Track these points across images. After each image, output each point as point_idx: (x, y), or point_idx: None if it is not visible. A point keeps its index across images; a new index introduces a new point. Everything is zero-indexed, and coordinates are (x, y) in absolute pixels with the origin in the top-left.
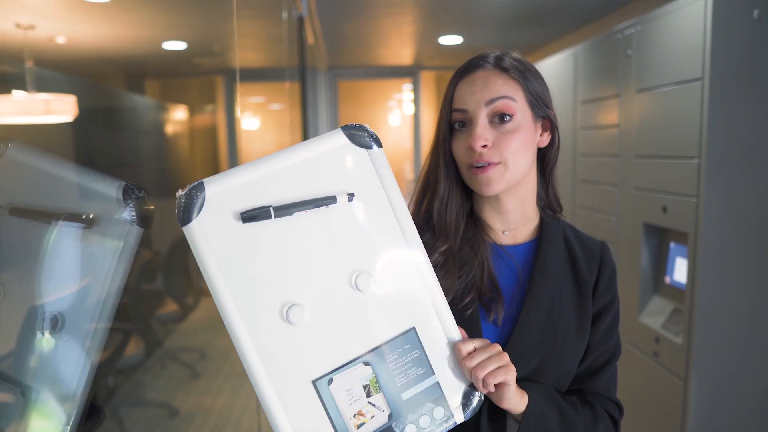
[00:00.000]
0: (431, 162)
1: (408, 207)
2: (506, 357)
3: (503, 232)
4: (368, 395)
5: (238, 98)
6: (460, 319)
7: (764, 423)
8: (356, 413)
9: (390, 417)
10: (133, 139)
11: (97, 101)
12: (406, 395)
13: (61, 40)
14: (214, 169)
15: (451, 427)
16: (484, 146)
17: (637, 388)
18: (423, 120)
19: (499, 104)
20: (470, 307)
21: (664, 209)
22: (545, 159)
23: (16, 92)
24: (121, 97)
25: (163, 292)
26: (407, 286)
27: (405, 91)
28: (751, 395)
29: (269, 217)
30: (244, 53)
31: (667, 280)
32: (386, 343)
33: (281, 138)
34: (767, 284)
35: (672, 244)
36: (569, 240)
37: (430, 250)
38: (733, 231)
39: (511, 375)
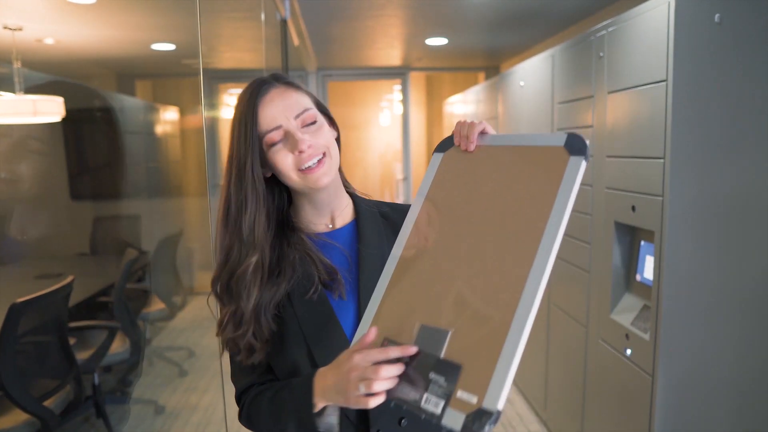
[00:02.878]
0: (233, 188)
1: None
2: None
3: (327, 225)
4: None
5: (202, 99)
6: (313, 305)
7: (728, 417)
8: None
9: None
10: (121, 138)
11: (85, 102)
12: None
13: (49, 41)
14: (201, 168)
15: None
16: (309, 146)
17: (608, 384)
18: (412, 120)
19: (306, 115)
20: (316, 292)
21: (633, 208)
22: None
23: (3, 93)
24: (110, 97)
25: (149, 291)
26: None
27: (396, 92)
28: (716, 390)
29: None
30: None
31: (638, 277)
32: None
33: None
34: (730, 282)
35: (642, 243)
36: (386, 213)
37: (239, 263)
38: (697, 229)
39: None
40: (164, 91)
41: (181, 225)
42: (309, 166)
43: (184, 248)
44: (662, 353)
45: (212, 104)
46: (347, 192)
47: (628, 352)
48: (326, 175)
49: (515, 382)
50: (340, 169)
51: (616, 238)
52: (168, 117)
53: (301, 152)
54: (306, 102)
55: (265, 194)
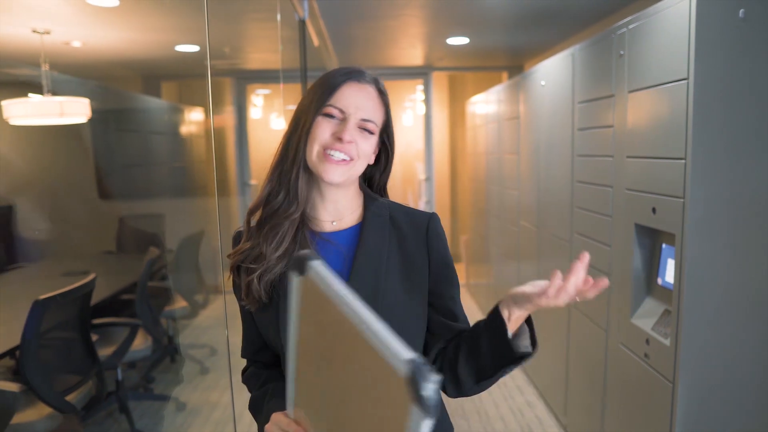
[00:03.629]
0: (293, 136)
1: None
2: None
3: (332, 222)
4: None
5: (210, 100)
6: (267, 302)
7: (751, 426)
8: None
9: None
10: (146, 139)
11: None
12: None
13: (76, 44)
14: (226, 168)
15: None
16: (350, 142)
17: (629, 390)
18: (435, 120)
19: (369, 125)
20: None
21: (654, 210)
22: (372, 175)
23: (32, 95)
24: (135, 99)
25: (172, 289)
26: None
27: (418, 92)
28: (738, 397)
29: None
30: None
31: (659, 281)
32: None
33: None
34: (753, 286)
35: (663, 246)
36: (396, 219)
37: (281, 210)
38: (718, 232)
39: None
40: (190, 92)
41: (204, 224)
42: (333, 155)
43: (209, 247)
44: (683, 359)
45: (240, 104)
46: (369, 196)
47: (649, 357)
48: (339, 175)
49: (536, 385)
50: (377, 185)
51: (637, 240)
52: (193, 117)
53: (339, 139)
54: (378, 116)
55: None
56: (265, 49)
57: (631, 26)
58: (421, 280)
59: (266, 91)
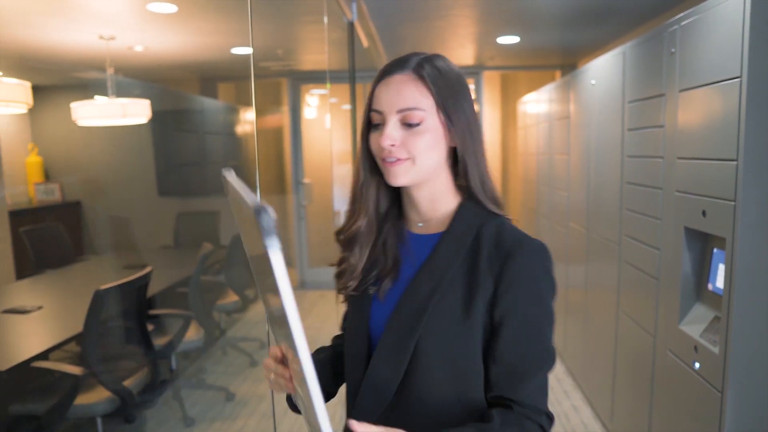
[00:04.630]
0: (358, 153)
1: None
2: None
3: (418, 224)
4: None
5: (253, 99)
6: (357, 295)
7: None
8: None
9: None
10: (202, 138)
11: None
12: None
13: (138, 48)
14: (281, 166)
15: None
16: (392, 145)
17: (676, 398)
18: (486, 119)
19: (408, 114)
20: (369, 287)
21: (704, 213)
22: (461, 158)
23: (98, 97)
24: (192, 100)
25: (224, 284)
26: None
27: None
28: None
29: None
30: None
31: (710, 287)
32: None
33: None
34: None
35: (715, 250)
36: (483, 236)
37: (349, 223)
38: None
39: None
40: (245, 93)
41: None
42: (388, 159)
43: None
44: (732, 368)
45: (294, 104)
46: (465, 204)
47: (697, 365)
48: (400, 177)
49: (583, 390)
50: (483, 183)
51: (686, 244)
52: (247, 117)
53: (381, 148)
54: (421, 101)
55: (372, 167)
56: (316, 51)
57: (683, 23)
58: (478, 315)
59: (321, 91)
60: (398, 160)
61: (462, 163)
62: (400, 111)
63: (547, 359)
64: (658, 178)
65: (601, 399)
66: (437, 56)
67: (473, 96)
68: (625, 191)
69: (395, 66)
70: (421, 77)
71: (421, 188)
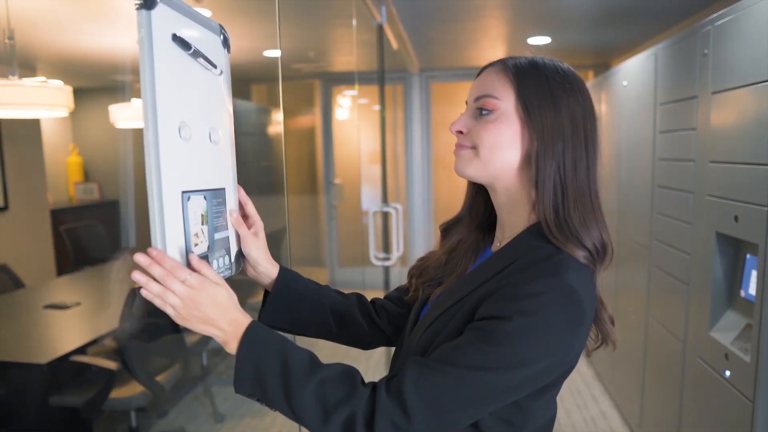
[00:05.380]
0: None
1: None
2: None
3: (499, 242)
4: (201, 224)
5: (281, 100)
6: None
7: None
8: (195, 234)
9: (208, 248)
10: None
11: None
12: (216, 236)
13: None
14: (313, 167)
15: (227, 276)
16: (459, 132)
17: (706, 406)
18: None
19: (482, 101)
20: (431, 295)
21: (736, 218)
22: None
23: (135, 100)
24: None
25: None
26: (228, 155)
27: None
28: None
29: (189, 50)
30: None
31: (742, 293)
32: (212, 189)
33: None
34: None
35: (748, 256)
36: (520, 260)
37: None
38: None
39: (168, 304)
40: (277, 95)
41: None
42: (457, 143)
43: (295, 245)
44: (764, 377)
45: (326, 106)
46: (532, 228)
47: (728, 373)
48: (460, 165)
49: (611, 395)
50: (560, 208)
51: (718, 249)
52: (279, 119)
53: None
54: (498, 89)
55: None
56: (347, 53)
57: (716, 23)
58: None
59: (352, 92)
60: (462, 146)
61: (534, 171)
62: (477, 99)
63: (467, 370)
64: (690, 182)
65: (629, 405)
66: (546, 58)
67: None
68: (655, 195)
69: (489, 64)
70: (507, 69)
71: (497, 192)
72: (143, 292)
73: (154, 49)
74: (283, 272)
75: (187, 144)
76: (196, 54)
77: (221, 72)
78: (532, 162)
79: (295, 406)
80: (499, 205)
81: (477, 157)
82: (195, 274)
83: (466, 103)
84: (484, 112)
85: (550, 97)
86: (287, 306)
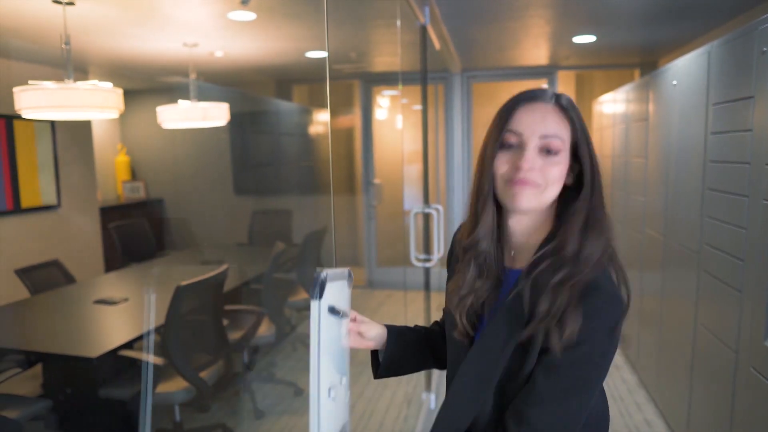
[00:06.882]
0: (479, 165)
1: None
2: None
3: (511, 254)
4: None
5: (328, 100)
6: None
7: None
8: None
9: None
10: (277, 139)
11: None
12: None
13: (219, 54)
14: (351, 167)
15: None
16: (530, 169)
17: (759, 419)
18: None
19: (552, 141)
20: (457, 328)
21: None
22: (567, 198)
23: (181, 101)
24: (268, 102)
25: (296, 281)
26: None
27: None
28: None
29: (339, 315)
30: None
31: None
32: None
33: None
34: None
35: None
36: (541, 284)
37: (469, 236)
38: None
39: None
40: (319, 95)
41: (327, 221)
42: (520, 178)
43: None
44: None
45: (366, 106)
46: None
47: None
48: (525, 201)
49: (656, 403)
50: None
51: None
52: (320, 119)
53: (518, 168)
54: (562, 131)
55: (492, 186)
56: (388, 53)
57: None
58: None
59: (392, 92)
60: (531, 183)
61: (571, 207)
62: (544, 137)
63: (570, 416)
64: (745, 185)
65: (676, 414)
66: (564, 94)
67: None
68: (706, 198)
69: (537, 94)
70: (564, 109)
71: (526, 217)
72: None
73: (321, 331)
74: (391, 337)
75: (333, 404)
76: (343, 316)
77: (344, 315)
78: (568, 192)
79: None
80: (521, 228)
81: (542, 194)
82: None
83: (515, 133)
84: (551, 153)
85: (587, 138)
86: (398, 367)
